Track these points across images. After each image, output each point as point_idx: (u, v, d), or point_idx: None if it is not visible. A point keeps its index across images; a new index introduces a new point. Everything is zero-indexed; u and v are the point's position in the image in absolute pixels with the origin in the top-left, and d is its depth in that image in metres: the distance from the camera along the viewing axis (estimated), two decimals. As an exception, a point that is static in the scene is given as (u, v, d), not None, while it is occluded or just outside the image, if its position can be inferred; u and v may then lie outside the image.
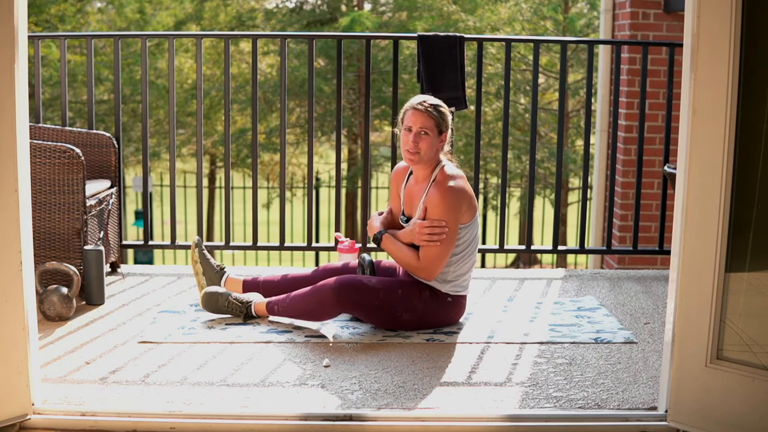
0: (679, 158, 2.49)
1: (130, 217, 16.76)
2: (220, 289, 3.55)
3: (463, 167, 13.08)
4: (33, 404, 2.56)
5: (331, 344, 3.24)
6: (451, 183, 3.33)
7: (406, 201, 3.52)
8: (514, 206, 13.89)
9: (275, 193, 14.49)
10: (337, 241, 3.90)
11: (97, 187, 4.00)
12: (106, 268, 4.17)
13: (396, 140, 3.59)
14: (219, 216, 15.49)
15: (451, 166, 3.42)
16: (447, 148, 3.45)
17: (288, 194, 14.71)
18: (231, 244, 4.58)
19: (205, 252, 3.72)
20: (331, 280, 3.33)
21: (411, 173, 3.52)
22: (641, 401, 2.72)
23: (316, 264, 11.47)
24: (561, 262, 11.89)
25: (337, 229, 4.43)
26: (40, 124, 4.23)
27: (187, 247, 4.51)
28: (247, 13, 15.13)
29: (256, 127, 4.38)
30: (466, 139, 12.31)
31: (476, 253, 3.46)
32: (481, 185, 12.72)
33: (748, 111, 2.38)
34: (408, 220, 3.48)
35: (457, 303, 3.44)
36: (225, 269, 3.70)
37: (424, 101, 3.38)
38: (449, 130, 3.41)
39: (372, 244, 4.58)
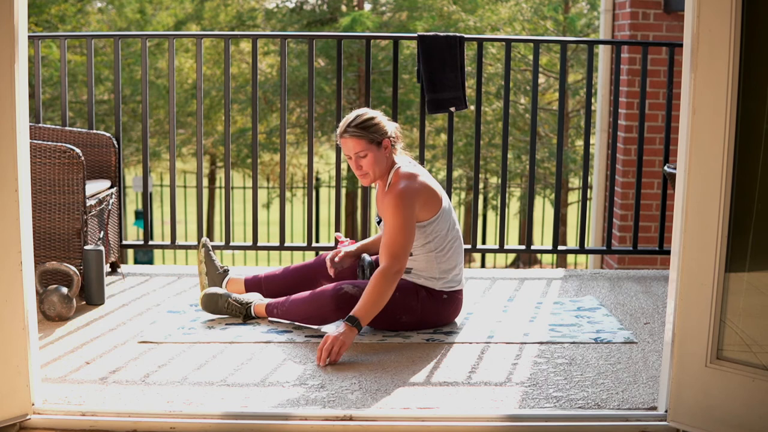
0: (679, 158, 2.49)
1: (130, 217, 16.76)
2: (220, 291, 3.55)
3: (463, 167, 13.15)
4: (33, 404, 2.56)
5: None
6: (401, 185, 3.29)
7: (377, 206, 3.54)
8: (514, 206, 13.89)
9: (275, 193, 14.49)
10: (337, 241, 3.90)
11: (97, 187, 4.00)
12: (106, 268, 4.17)
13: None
14: (219, 216, 15.49)
15: (406, 167, 3.38)
16: (399, 146, 3.43)
17: (288, 194, 14.71)
18: (231, 244, 4.58)
19: (211, 253, 3.72)
20: (330, 287, 3.33)
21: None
22: (641, 401, 2.72)
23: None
24: (561, 262, 11.89)
25: (337, 229, 4.43)
26: (40, 124, 4.23)
27: (187, 247, 4.52)
28: (247, 13, 15.14)
29: (256, 127, 4.38)
30: (466, 139, 12.32)
31: (460, 248, 3.43)
32: (481, 185, 12.73)
33: (748, 111, 2.38)
34: (380, 221, 3.50)
35: (454, 299, 3.44)
36: (228, 271, 3.70)
37: (348, 124, 3.31)
38: (389, 134, 3.34)
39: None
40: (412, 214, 3.26)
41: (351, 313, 3.13)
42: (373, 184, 3.56)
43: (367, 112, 3.35)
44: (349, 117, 3.34)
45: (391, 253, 3.22)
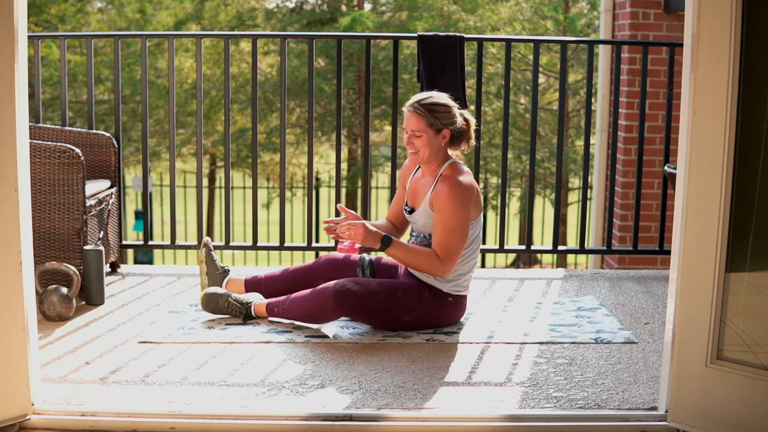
0: (679, 158, 2.49)
1: (130, 217, 16.77)
2: (220, 290, 3.55)
3: (463, 167, 13.13)
4: (33, 404, 2.56)
5: (332, 338, 3.24)
6: (459, 178, 3.33)
7: (410, 193, 3.53)
8: (514, 206, 13.88)
9: (275, 193, 14.49)
10: (337, 242, 3.91)
11: (97, 187, 4.00)
12: (106, 268, 4.17)
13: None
14: (219, 216, 15.48)
15: (459, 164, 3.42)
16: (463, 146, 3.44)
17: (288, 194, 14.71)
18: (231, 244, 4.58)
19: (213, 253, 3.72)
20: (331, 284, 3.33)
21: (419, 167, 3.53)
22: (641, 401, 2.72)
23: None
24: (561, 262, 11.88)
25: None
26: (40, 124, 4.23)
27: (187, 247, 4.52)
28: (247, 13, 15.14)
29: (256, 127, 4.37)
30: (466, 138, 12.31)
31: (478, 254, 3.46)
32: (481, 185, 12.70)
33: (748, 111, 2.38)
34: (411, 211, 3.49)
35: (458, 303, 3.44)
36: (229, 271, 3.69)
37: (416, 101, 3.36)
38: (452, 125, 3.36)
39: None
40: (468, 211, 3.31)
41: (393, 240, 3.31)
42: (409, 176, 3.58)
43: (440, 98, 3.38)
44: (422, 94, 3.39)
45: (448, 252, 3.30)
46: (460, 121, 3.39)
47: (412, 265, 3.37)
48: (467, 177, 3.36)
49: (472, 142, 3.46)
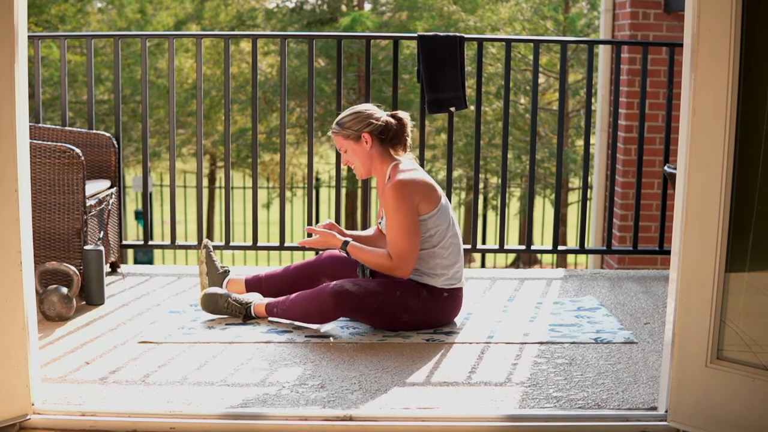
0: (679, 158, 2.49)
1: (131, 218, 16.76)
2: (220, 290, 3.55)
3: (463, 167, 13.14)
4: (33, 404, 2.56)
5: (331, 343, 3.24)
6: (399, 176, 3.34)
7: (379, 202, 3.58)
8: (514, 206, 13.90)
9: (275, 193, 14.49)
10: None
11: (97, 187, 4.00)
12: (106, 268, 4.17)
13: None
14: (219, 216, 15.49)
15: (405, 163, 3.43)
16: (408, 154, 3.46)
17: (288, 194, 14.71)
18: (231, 244, 4.58)
19: (213, 254, 3.73)
20: (330, 285, 3.34)
21: None
22: (641, 401, 2.72)
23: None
24: (561, 262, 11.89)
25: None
26: (40, 124, 4.23)
27: (187, 247, 4.52)
28: (247, 13, 15.15)
29: (256, 127, 4.38)
30: (466, 139, 12.32)
31: (460, 247, 3.44)
32: (481, 185, 12.72)
33: (748, 111, 2.38)
34: (383, 219, 3.52)
35: (454, 297, 3.44)
36: (229, 271, 3.70)
37: (334, 121, 3.44)
38: (368, 127, 3.36)
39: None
40: (413, 209, 3.30)
41: (350, 242, 3.39)
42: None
43: (352, 109, 3.44)
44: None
45: (397, 252, 3.32)
46: (381, 120, 3.39)
47: (372, 267, 3.41)
48: (408, 174, 3.35)
49: (407, 141, 3.45)
